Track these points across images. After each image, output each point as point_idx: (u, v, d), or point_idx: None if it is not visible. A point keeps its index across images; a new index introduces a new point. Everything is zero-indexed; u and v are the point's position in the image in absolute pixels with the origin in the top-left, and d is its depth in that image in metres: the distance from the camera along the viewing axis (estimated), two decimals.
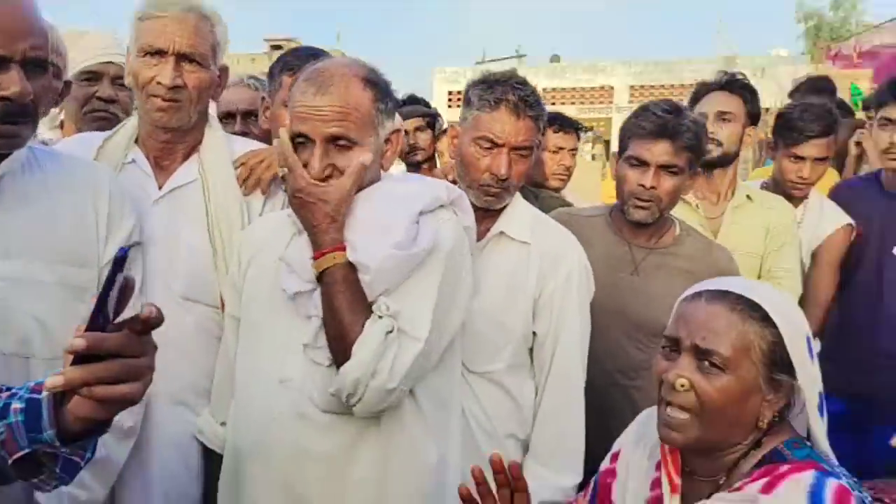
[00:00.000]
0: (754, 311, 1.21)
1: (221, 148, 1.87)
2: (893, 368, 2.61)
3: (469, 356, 1.82)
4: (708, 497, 1.24)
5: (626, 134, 2.10)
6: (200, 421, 1.79)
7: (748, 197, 2.58)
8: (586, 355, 1.93)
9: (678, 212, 2.39)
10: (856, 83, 5.06)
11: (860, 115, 3.98)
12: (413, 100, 3.84)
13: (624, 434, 1.49)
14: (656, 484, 1.33)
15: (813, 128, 2.60)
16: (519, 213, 1.92)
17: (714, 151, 2.50)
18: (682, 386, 1.20)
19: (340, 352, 1.45)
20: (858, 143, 3.73)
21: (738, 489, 1.18)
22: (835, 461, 1.24)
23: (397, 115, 2.99)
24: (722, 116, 2.54)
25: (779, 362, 1.20)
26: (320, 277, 1.47)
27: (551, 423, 1.89)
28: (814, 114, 2.62)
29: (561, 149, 3.12)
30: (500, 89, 1.80)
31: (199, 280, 1.78)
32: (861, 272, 2.69)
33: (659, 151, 2.01)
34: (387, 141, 1.60)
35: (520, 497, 1.25)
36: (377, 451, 1.54)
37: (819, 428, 1.24)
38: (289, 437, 1.52)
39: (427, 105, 3.86)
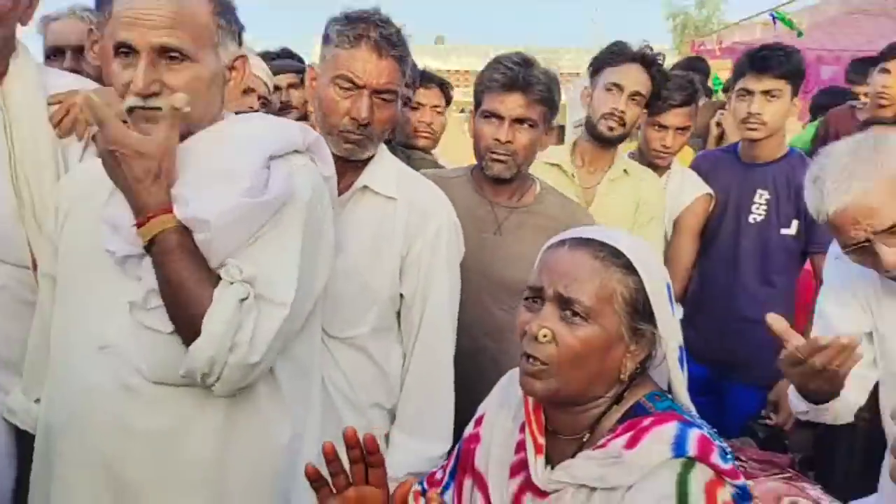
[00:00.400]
0: (617, 259, 1.18)
1: (31, 80, 1.62)
2: (749, 332, 2.69)
3: (330, 320, 1.68)
4: (572, 456, 1.20)
5: (480, 88, 2.04)
6: (10, 400, 1.55)
7: (625, 171, 2.60)
8: (456, 318, 1.85)
9: (553, 178, 2.39)
10: (717, 74, 5.28)
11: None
12: (287, 54, 3.47)
13: (488, 397, 1.42)
14: (520, 447, 1.27)
15: (675, 97, 2.65)
16: (384, 167, 1.80)
17: (617, 130, 2.48)
18: (545, 336, 1.15)
19: (187, 327, 1.27)
20: (719, 124, 3.89)
21: (603, 446, 1.15)
22: (695, 413, 1.23)
23: (264, 66, 2.82)
24: (634, 97, 2.49)
25: (641, 311, 1.17)
26: (149, 247, 1.27)
27: (418, 391, 1.79)
28: (676, 84, 2.66)
29: (422, 104, 2.98)
30: (362, 25, 1.66)
31: (0, 235, 1.55)
32: (719, 240, 2.77)
33: (512, 104, 1.97)
34: (230, 69, 1.41)
35: (375, 473, 1.14)
36: (217, 428, 1.38)
37: (680, 380, 1.23)
38: (109, 410, 1.33)
39: (301, 61, 3.44)
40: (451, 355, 1.82)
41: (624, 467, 1.11)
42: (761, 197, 2.70)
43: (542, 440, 1.24)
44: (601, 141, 2.53)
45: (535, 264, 1.24)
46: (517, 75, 1.96)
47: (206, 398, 1.36)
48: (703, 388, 2.78)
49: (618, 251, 1.19)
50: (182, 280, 1.26)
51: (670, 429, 1.12)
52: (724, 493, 1.10)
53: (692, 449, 1.09)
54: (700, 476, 1.09)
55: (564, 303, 1.16)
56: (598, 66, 2.56)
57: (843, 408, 1.78)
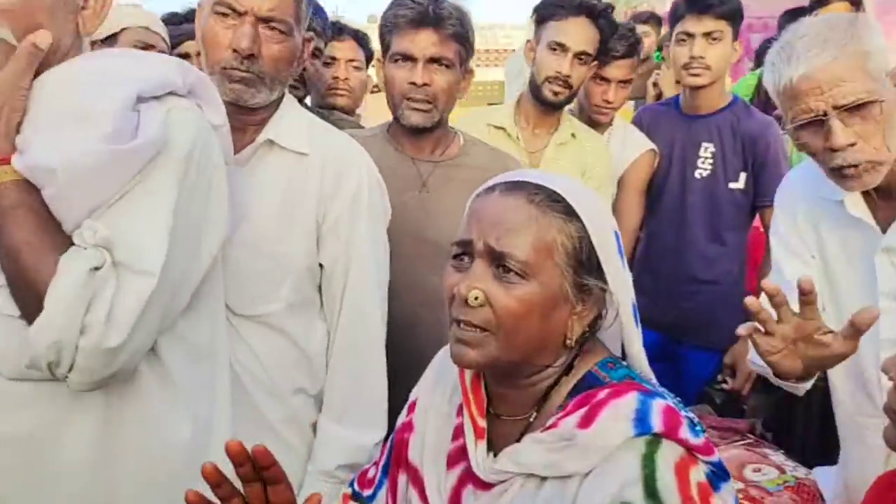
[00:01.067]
0: (555, 203, 0.99)
1: None
2: (701, 293, 2.61)
3: (235, 296, 1.47)
4: (518, 440, 1.01)
5: (386, 29, 1.85)
6: None
7: (573, 135, 2.44)
8: (385, 288, 1.64)
9: (497, 142, 2.22)
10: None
11: None
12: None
13: (421, 379, 1.22)
14: (458, 432, 1.08)
15: (617, 48, 2.48)
16: (292, 118, 1.57)
17: (562, 94, 2.32)
18: (476, 299, 0.95)
19: (29, 304, 1.04)
20: (656, 84, 3.79)
21: (553, 427, 0.96)
22: (655, 381, 1.05)
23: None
24: (580, 57, 2.30)
25: (586, 264, 0.99)
26: None
27: (345, 373, 1.59)
28: (618, 34, 2.51)
29: (336, 59, 2.72)
30: None
31: None
32: (665, 198, 2.64)
33: (424, 42, 1.78)
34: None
35: (277, 491, 0.93)
36: (96, 429, 1.16)
37: (635, 341, 1.05)
38: None
39: None
40: (381, 330, 1.62)
41: (578, 451, 0.93)
42: (706, 150, 2.58)
43: (482, 423, 1.05)
44: (545, 105, 2.37)
45: (464, 215, 1.05)
46: (426, 9, 1.77)
47: (80, 394, 1.12)
48: (656, 354, 2.64)
49: (556, 194, 1.00)
50: (20, 246, 1.03)
51: (630, 401, 0.93)
52: (698, 473, 0.92)
53: (657, 423, 0.91)
54: (669, 455, 0.91)
55: (497, 258, 0.97)
56: (541, 17, 2.37)
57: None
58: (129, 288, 1.07)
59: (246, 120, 1.52)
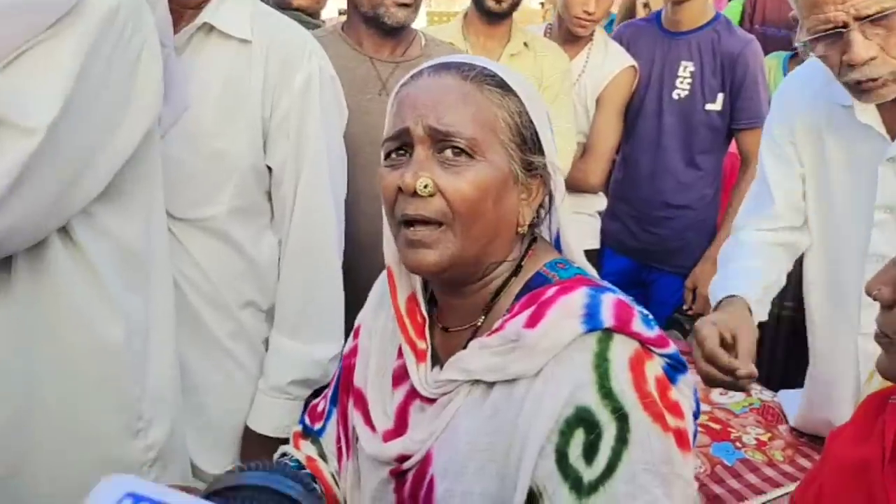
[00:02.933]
0: (489, 78, 0.92)
1: None
2: (674, 219, 2.57)
3: (173, 197, 1.35)
4: (465, 347, 0.95)
5: None
6: None
7: (525, 45, 2.33)
8: (341, 196, 1.55)
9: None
10: None
11: None
12: None
13: (366, 302, 1.15)
14: (402, 350, 1.01)
15: None
16: (234, 2, 1.42)
17: (504, 2, 2.22)
18: (426, 187, 0.87)
19: None
20: (646, 5, 3.67)
21: (499, 329, 0.90)
22: (604, 280, 0.99)
23: None
24: None
25: (528, 140, 0.93)
26: None
27: (297, 283, 1.50)
28: None
29: None
30: None
31: None
32: (642, 120, 2.56)
33: None
34: None
35: None
36: (11, 329, 1.09)
37: (571, 233, 0.99)
38: None
39: None
40: (334, 239, 1.53)
41: (525, 352, 0.87)
42: (685, 69, 2.50)
43: (422, 345, 0.98)
44: (489, 15, 2.25)
45: (390, 108, 0.96)
46: None
47: None
48: (627, 280, 2.65)
49: (488, 70, 0.93)
50: None
51: (578, 297, 0.87)
52: (654, 367, 0.85)
53: (608, 318, 0.85)
54: (622, 351, 0.85)
55: (441, 139, 0.89)
56: None
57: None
58: (8, 145, 0.96)
59: (184, 2, 1.38)
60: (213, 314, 1.47)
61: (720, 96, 2.49)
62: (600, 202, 2.68)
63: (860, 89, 1.37)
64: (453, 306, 0.99)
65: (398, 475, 0.97)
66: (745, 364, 1.32)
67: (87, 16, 1.00)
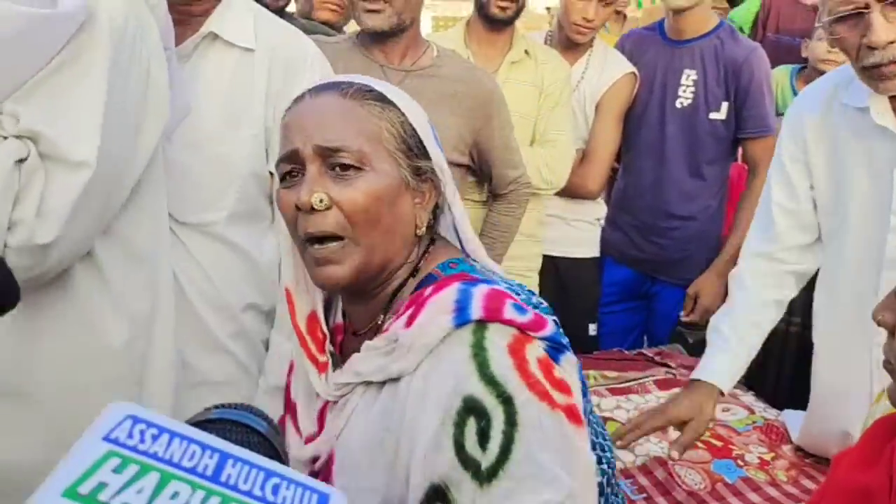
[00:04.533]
0: (367, 93, 1.00)
1: None
2: (677, 229, 2.59)
3: (177, 202, 1.41)
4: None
5: None
6: None
7: (526, 52, 2.37)
8: None
9: None
10: None
11: None
12: None
13: None
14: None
15: None
16: (238, 11, 1.49)
17: (510, 9, 2.26)
18: (322, 202, 0.93)
19: None
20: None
21: (385, 331, 0.96)
22: (499, 271, 1.06)
23: None
24: None
25: (414, 147, 1.00)
26: None
27: None
28: None
29: None
30: None
31: None
32: (645, 129, 2.60)
33: None
34: None
35: None
36: (18, 329, 1.12)
37: (466, 226, 1.04)
38: None
39: None
40: None
41: (402, 351, 0.91)
42: (688, 78, 2.53)
43: (323, 358, 1.04)
44: (493, 22, 2.30)
45: (279, 134, 1.03)
46: None
47: None
48: (628, 291, 2.69)
49: (366, 86, 1.00)
50: None
51: (450, 293, 0.92)
52: (535, 349, 0.90)
53: (476, 310, 0.89)
54: (498, 338, 0.89)
55: (329, 155, 0.95)
56: None
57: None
58: (60, 180, 1.01)
59: (189, 11, 1.44)
60: (215, 315, 1.52)
61: (724, 105, 2.52)
62: (600, 209, 2.70)
63: (878, 74, 1.39)
64: (358, 311, 1.05)
65: (314, 476, 1.01)
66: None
67: (100, 30, 1.05)
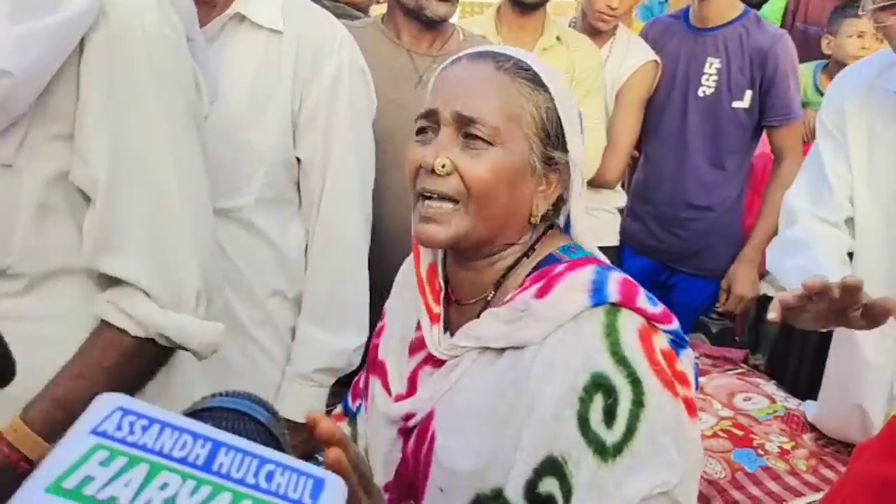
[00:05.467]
0: (524, 71, 1.00)
1: None
2: (697, 220, 2.60)
3: None
4: (477, 317, 1.03)
5: None
6: None
7: (558, 38, 2.37)
8: (369, 188, 1.61)
9: None
10: None
11: None
12: None
13: (393, 287, 1.24)
14: (420, 323, 1.10)
15: None
16: None
17: None
18: (444, 167, 0.95)
19: None
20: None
21: (510, 301, 0.98)
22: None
23: None
24: None
25: (552, 136, 1.00)
26: None
27: (324, 274, 1.57)
28: None
29: None
30: None
31: None
32: (666, 118, 2.60)
33: None
34: None
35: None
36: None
37: (581, 226, 1.06)
38: None
39: None
40: (361, 231, 1.59)
41: (532, 320, 0.94)
42: (711, 66, 2.53)
43: (437, 309, 1.07)
44: (522, 6, 2.31)
45: (429, 88, 1.04)
46: None
47: None
48: (647, 281, 2.67)
49: (524, 63, 1.00)
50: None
51: (587, 273, 0.95)
52: (661, 341, 0.93)
53: (613, 294, 0.92)
54: (629, 322, 0.92)
55: (465, 124, 0.96)
56: None
57: None
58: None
59: None
60: (240, 302, 1.54)
61: (748, 93, 2.52)
62: (620, 199, 2.71)
63: None
64: (462, 280, 1.06)
65: (406, 433, 1.05)
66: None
67: (120, 37, 1.02)
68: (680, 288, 2.68)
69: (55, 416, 1.00)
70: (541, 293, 0.95)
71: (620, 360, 0.90)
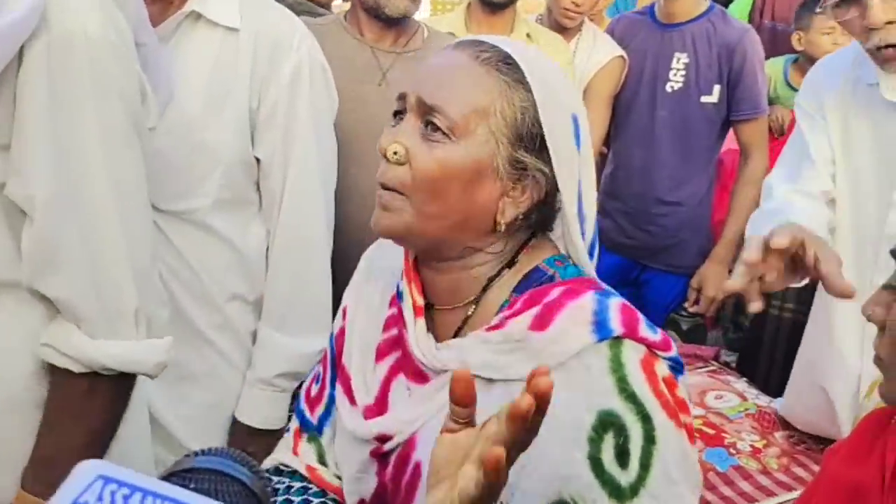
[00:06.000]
0: (504, 65, 0.92)
1: None
2: (667, 216, 2.61)
3: (157, 189, 1.33)
4: (457, 333, 0.96)
5: None
6: None
7: (528, 35, 2.37)
8: (331, 187, 1.58)
9: None
10: None
11: None
12: None
13: (350, 283, 1.16)
14: (390, 323, 1.04)
15: None
16: None
17: None
18: (395, 154, 0.91)
19: None
20: None
21: (500, 327, 0.91)
22: (593, 274, 1.00)
23: None
24: None
25: (525, 139, 0.92)
26: None
27: (286, 276, 1.53)
28: None
29: None
30: None
31: None
32: (634, 114, 2.61)
33: None
34: None
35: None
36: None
37: (577, 237, 0.97)
38: None
39: None
40: (323, 231, 1.56)
41: (530, 353, 0.88)
42: (679, 61, 2.54)
43: (421, 300, 1.00)
44: (492, 6, 2.30)
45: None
46: None
47: None
48: (619, 278, 2.69)
49: (510, 58, 0.92)
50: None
51: (587, 303, 0.88)
52: (662, 368, 0.90)
53: (617, 326, 0.87)
54: (633, 354, 0.88)
55: (426, 112, 0.91)
56: None
57: None
58: None
59: None
60: (199, 307, 1.50)
61: (717, 88, 2.53)
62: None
63: (882, 57, 1.41)
64: (434, 282, 1.00)
65: (380, 457, 0.99)
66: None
67: (61, 47, 0.99)
68: (651, 285, 2.69)
69: (47, 477, 1.02)
70: (539, 324, 0.89)
71: (629, 396, 0.86)
